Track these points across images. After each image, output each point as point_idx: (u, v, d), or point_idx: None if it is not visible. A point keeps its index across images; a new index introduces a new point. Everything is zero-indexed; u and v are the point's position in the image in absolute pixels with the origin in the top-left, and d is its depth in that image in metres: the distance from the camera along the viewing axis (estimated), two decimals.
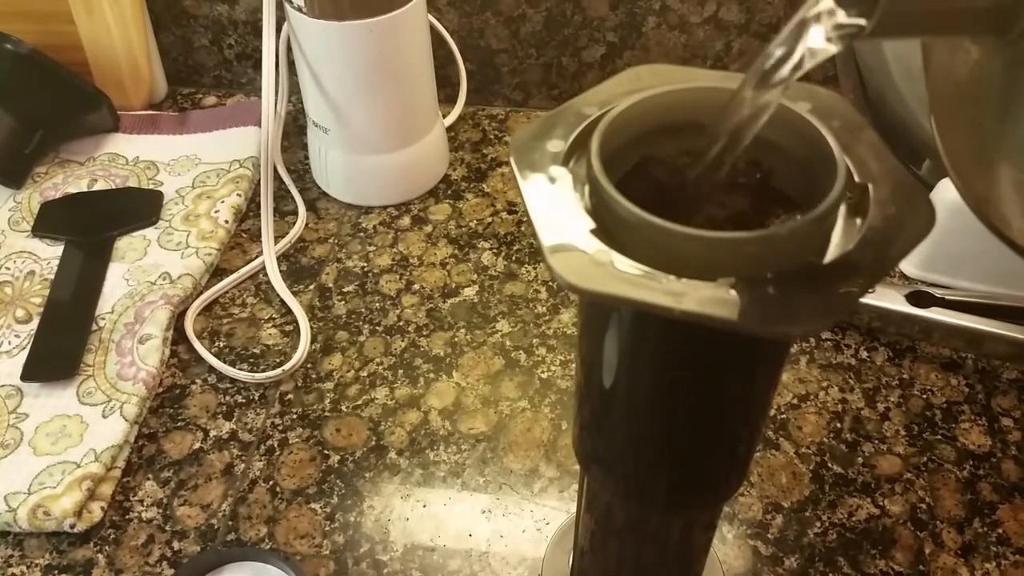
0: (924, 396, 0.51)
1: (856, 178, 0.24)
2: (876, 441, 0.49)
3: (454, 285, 0.57)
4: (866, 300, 0.52)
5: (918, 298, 0.52)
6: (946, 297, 0.51)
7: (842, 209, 0.24)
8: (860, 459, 0.48)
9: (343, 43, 0.54)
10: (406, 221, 0.61)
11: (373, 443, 0.48)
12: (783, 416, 0.50)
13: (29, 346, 0.51)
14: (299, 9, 0.54)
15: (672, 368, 0.26)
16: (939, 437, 0.49)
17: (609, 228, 0.23)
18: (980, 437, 0.49)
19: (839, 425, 0.49)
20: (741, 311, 0.21)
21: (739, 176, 0.27)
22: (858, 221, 0.23)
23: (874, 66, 0.54)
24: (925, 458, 0.48)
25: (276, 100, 0.64)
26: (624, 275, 0.22)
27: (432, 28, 0.64)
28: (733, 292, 0.21)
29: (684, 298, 0.21)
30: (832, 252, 0.23)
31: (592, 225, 0.23)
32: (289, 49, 0.60)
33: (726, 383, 0.27)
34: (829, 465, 0.48)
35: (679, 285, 0.22)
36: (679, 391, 0.27)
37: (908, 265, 0.56)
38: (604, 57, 0.67)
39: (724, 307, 0.21)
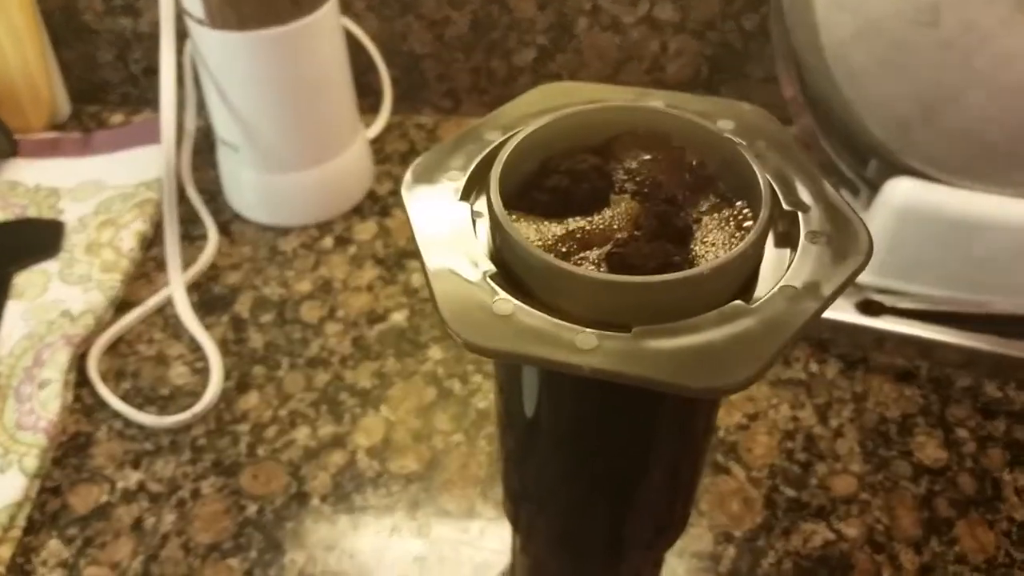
0: (878, 410, 0.48)
1: (784, 205, 0.21)
2: (830, 460, 0.46)
3: (382, 310, 0.53)
4: None
5: (869, 307, 0.49)
6: (897, 306, 0.49)
7: (770, 239, 0.21)
8: (814, 480, 0.45)
9: (248, 55, 0.50)
10: (328, 242, 0.57)
11: (294, 490, 0.45)
12: (732, 438, 0.47)
13: None
14: (199, 21, 0.50)
15: (588, 422, 0.23)
16: (894, 453, 0.47)
17: (514, 271, 0.20)
18: (935, 451, 0.47)
19: (791, 445, 0.47)
20: (658, 366, 0.18)
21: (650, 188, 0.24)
22: (788, 251, 0.20)
23: (814, 66, 0.51)
24: (880, 476, 0.45)
25: (183, 116, 0.60)
26: (528, 329, 0.19)
27: (349, 34, 0.60)
28: (649, 343, 0.18)
29: (594, 354, 0.18)
30: (761, 288, 0.20)
31: (492, 269, 0.20)
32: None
33: (650, 434, 0.23)
34: (782, 489, 0.45)
35: (589, 338, 0.18)
36: (597, 443, 0.24)
37: None
38: (536, 60, 0.63)
39: (639, 363, 0.18)
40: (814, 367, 0.50)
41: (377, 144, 0.64)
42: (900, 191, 0.51)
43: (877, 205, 0.52)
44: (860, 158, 0.55)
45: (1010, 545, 0.43)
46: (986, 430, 0.48)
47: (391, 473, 0.45)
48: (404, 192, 0.22)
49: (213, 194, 0.60)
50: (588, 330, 0.18)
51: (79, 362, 0.50)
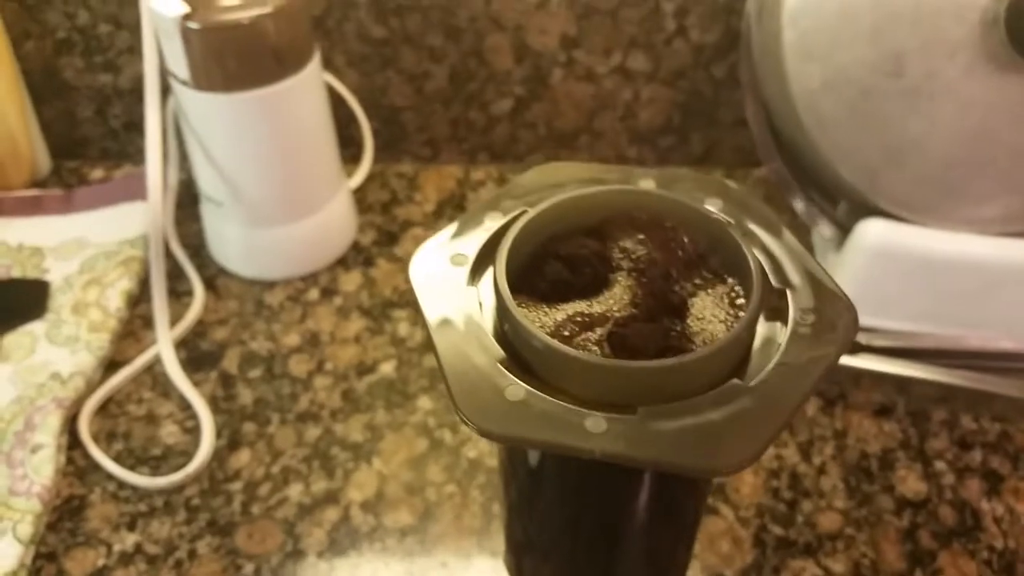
0: (858, 446, 0.50)
1: (773, 282, 0.22)
2: (815, 497, 0.47)
3: (370, 361, 0.54)
4: None
5: None
6: (873, 344, 0.51)
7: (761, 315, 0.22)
8: (800, 518, 0.46)
9: (232, 115, 0.51)
10: (314, 294, 0.58)
11: (290, 547, 0.45)
12: (720, 480, 0.48)
13: None
14: (183, 82, 0.51)
15: (592, 490, 0.24)
16: (876, 488, 0.48)
17: (521, 355, 0.21)
18: (916, 483, 0.48)
19: (777, 483, 0.48)
20: (663, 448, 0.19)
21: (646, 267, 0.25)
22: (778, 325, 0.22)
23: (784, 113, 0.53)
24: (864, 511, 0.47)
25: (165, 171, 0.60)
26: (539, 414, 0.20)
27: (331, 88, 0.61)
28: (654, 426, 0.19)
29: (604, 438, 0.19)
30: (755, 362, 0.21)
31: (502, 355, 0.21)
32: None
33: (653, 502, 0.24)
34: (770, 527, 0.46)
35: (599, 422, 0.19)
36: (600, 505, 0.25)
37: None
38: (513, 110, 0.65)
39: (646, 446, 0.19)
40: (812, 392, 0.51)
41: (359, 193, 0.65)
42: (871, 233, 0.52)
43: (849, 246, 0.54)
44: (831, 200, 0.57)
45: (991, 574, 0.44)
46: (963, 461, 0.49)
47: (386, 527, 0.46)
48: (413, 279, 0.23)
49: (196, 248, 0.61)
50: (597, 414, 0.19)
51: (70, 424, 0.50)
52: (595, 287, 0.23)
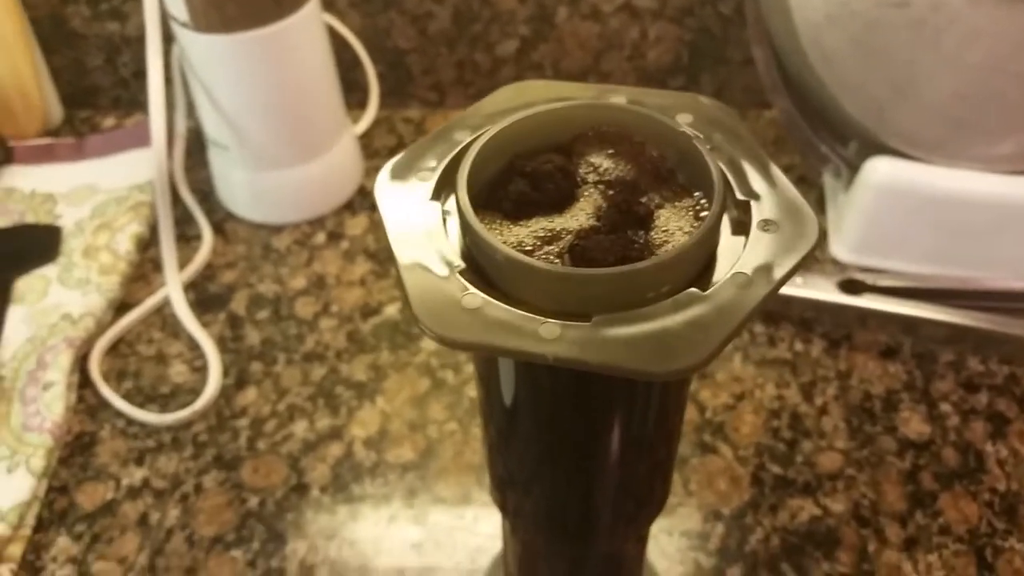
0: (862, 387, 0.49)
1: (738, 195, 0.22)
2: (816, 438, 0.47)
3: (375, 304, 0.54)
4: (798, 291, 0.51)
5: (850, 286, 0.50)
6: (878, 284, 0.50)
7: (726, 225, 0.22)
8: (800, 458, 0.46)
9: (233, 57, 0.51)
10: (321, 238, 0.58)
11: (294, 481, 0.46)
12: (719, 419, 0.48)
13: None
14: (183, 24, 0.51)
15: (561, 407, 0.24)
16: (879, 429, 0.48)
17: (482, 267, 0.21)
18: (920, 425, 0.48)
19: (777, 423, 0.48)
20: (615, 353, 0.19)
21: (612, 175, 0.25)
22: (743, 239, 0.21)
23: (790, 50, 0.52)
24: (866, 452, 0.47)
25: (172, 118, 0.61)
26: (495, 321, 0.20)
27: (333, 31, 0.61)
28: (608, 331, 0.19)
29: (557, 343, 0.19)
30: (718, 274, 0.21)
31: (461, 265, 0.21)
32: None
33: (621, 415, 0.25)
34: (768, 467, 0.46)
35: (552, 328, 0.19)
36: (572, 427, 0.25)
37: (840, 249, 0.55)
38: (519, 51, 0.64)
39: (598, 350, 0.19)
40: (799, 346, 0.51)
41: (366, 139, 0.65)
42: (879, 170, 0.51)
43: (857, 185, 0.53)
44: (839, 139, 0.56)
45: (992, 515, 0.44)
46: (969, 404, 0.49)
47: (388, 463, 0.46)
48: (377, 193, 0.23)
49: (206, 194, 0.61)
50: (551, 320, 0.19)
51: (81, 363, 0.51)
52: (560, 203, 0.23)
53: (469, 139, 0.24)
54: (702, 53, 0.63)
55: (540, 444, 0.26)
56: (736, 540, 0.43)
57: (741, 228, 0.22)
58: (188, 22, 0.50)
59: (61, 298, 0.53)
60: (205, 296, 0.55)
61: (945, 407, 0.48)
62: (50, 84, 0.67)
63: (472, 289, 0.20)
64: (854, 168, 0.55)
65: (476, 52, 0.64)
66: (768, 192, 0.21)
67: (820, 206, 0.58)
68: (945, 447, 0.47)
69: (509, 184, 0.23)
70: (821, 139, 0.56)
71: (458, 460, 0.46)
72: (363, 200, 0.61)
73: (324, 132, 0.58)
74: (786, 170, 0.60)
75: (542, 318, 0.20)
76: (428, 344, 0.52)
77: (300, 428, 0.48)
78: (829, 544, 0.43)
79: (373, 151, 0.64)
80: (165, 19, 0.53)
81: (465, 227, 0.21)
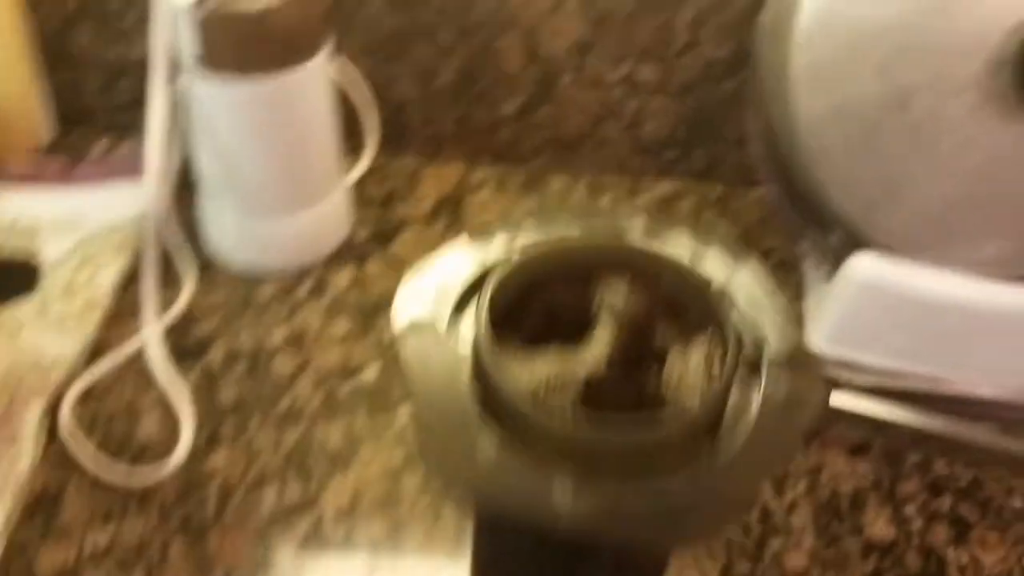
0: (831, 484, 0.50)
1: (749, 346, 0.22)
2: (783, 535, 0.48)
3: (354, 364, 0.54)
4: None
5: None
6: (853, 381, 0.51)
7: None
8: (768, 556, 0.47)
9: (237, 103, 0.51)
10: (304, 290, 0.58)
11: (260, 556, 0.45)
12: None
13: None
14: (193, 62, 0.50)
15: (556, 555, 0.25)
16: (846, 528, 0.48)
17: (496, 404, 0.21)
18: (885, 527, 0.48)
19: (747, 518, 0.48)
20: (626, 526, 0.19)
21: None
22: (752, 386, 0.22)
23: (787, 138, 0.52)
24: (832, 552, 0.47)
25: (166, 155, 0.60)
26: (509, 479, 0.20)
27: (339, 77, 0.60)
28: (623, 498, 0.19)
29: (571, 508, 0.19)
30: (726, 428, 0.21)
31: (477, 409, 0.21)
32: None
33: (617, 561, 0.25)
34: (736, 564, 0.46)
35: (566, 494, 0.20)
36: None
37: (819, 340, 0.55)
38: (519, 112, 0.64)
39: (613, 519, 0.19)
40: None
41: (359, 186, 0.65)
42: (862, 267, 0.52)
43: (839, 278, 0.54)
44: (824, 228, 0.56)
45: None
46: (933, 506, 0.49)
47: (357, 540, 0.46)
48: (395, 321, 0.23)
49: (190, 232, 0.60)
50: (565, 482, 0.20)
51: (51, 409, 0.50)
52: (576, 335, 0.23)
53: (487, 264, 0.24)
54: (698, 129, 0.63)
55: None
56: None
57: (750, 371, 0.22)
58: (197, 63, 0.50)
59: (36, 340, 0.53)
60: (182, 345, 0.55)
61: (910, 509, 0.49)
62: (46, 101, 0.66)
63: (487, 435, 0.20)
64: (836, 258, 0.55)
65: (478, 109, 0.64)
66: (782, 347, 0.22)
67: (799, 292, 0.58)
68: (908, 551, 0.47)
69: (526, 315, 0.23)
70: (807, 226, 0.57)
71: (429, 540, 0.46)
72: (350, 251, 0.61)
73: (319, 182, 0.57)
74: (768, 253, 0.61)
75: (556, 477, 0.20)
76: (405, 413, 0.52)
77: (270, 497, 0.48)
78: None
79: (366, 199, 0.64)
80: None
81: (482, 367, 0.21)
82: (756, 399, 0.21)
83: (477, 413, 0.21)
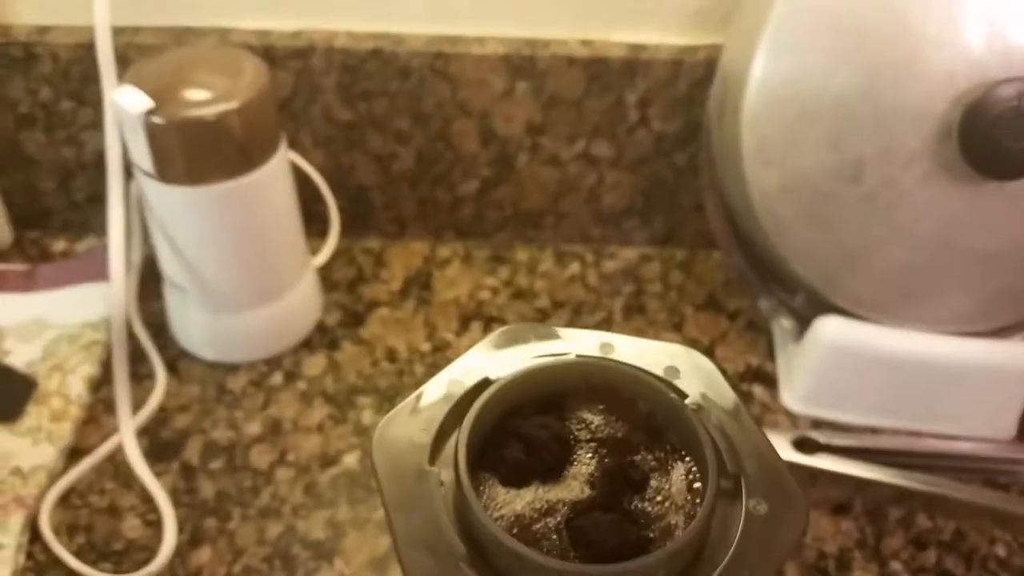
0: (816, 544, 0.50)
1: (728, 467, 0.23)
2: None
3: (333, 452, 0.54)
4: None
5: (804, 445, 0.52)
6: (832, 443, 0.52)
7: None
8: None
9: (196, 208, 0.51)
10: (277, 378, 0.58)
11: None
12: None
13: None
14: (147, 174, 0.51)
15: None
16: None
17: (480, 544, 0.21)
18: None
19: None
20: None
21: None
22: (735, 508, 0.22)
23: (743, 213, 0.54)
24: None
25: (128, 249, 0.60)
26: None
27: (296, 167, 0.61)
28: None
29: None
30: (711, 548, 0.21)
31: (463, 551, 0.21)
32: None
33: None
34: None
35: None
36: None
37: (790, 399, 0.56)
38: (479, 191, 0.65)
39: None
40: None
41: (325, 270, 0.65)
42: (828, 330, 0.53)
43: (807, 341, 0.55)
44: (789, 291, 0.58)
45: None
46: (919, 561, 0.50)
47: None
48: (375, 459, 0.23)
49: (158, 328, 0.60)
50: None
51: (32, 516, 0.49)
52: (555, 467, 0.23)
53: (460, 394, 0.24)
54: (655, 199, 0.65)
55: None
56: None
57: (729, 494, 0.22)
58: (152, 172, 0.50)
59: (10, 447, 0.52)
60: (158, 442, 0.54)
61: (896, 565, 0.50)
62: (1, 206, 0.66)
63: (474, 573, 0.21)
64: (803, 319, 0.57)
65: (438, 190, 0.65)
66: (757, 467, 0.22)
67: (770, 353, 0.60)
68: None
69: (504, 448, 0.23)
70: (771, 291, 0.58)
71: None
72: (322, 337, 0.61)
73: (285, 274, 0.58)
74: (736, 314, 0.62)
75: None
76: None
77: None
78: None
79: (333, 283, 0.64)
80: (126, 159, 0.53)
81: (464, 507, 0.21)
82: (740, 515, 0.22)
83: (463, 555, 0.21)
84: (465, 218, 0.67)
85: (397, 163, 0.64)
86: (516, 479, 0.23)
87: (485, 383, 0.24)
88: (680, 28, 0.60)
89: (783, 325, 0.58)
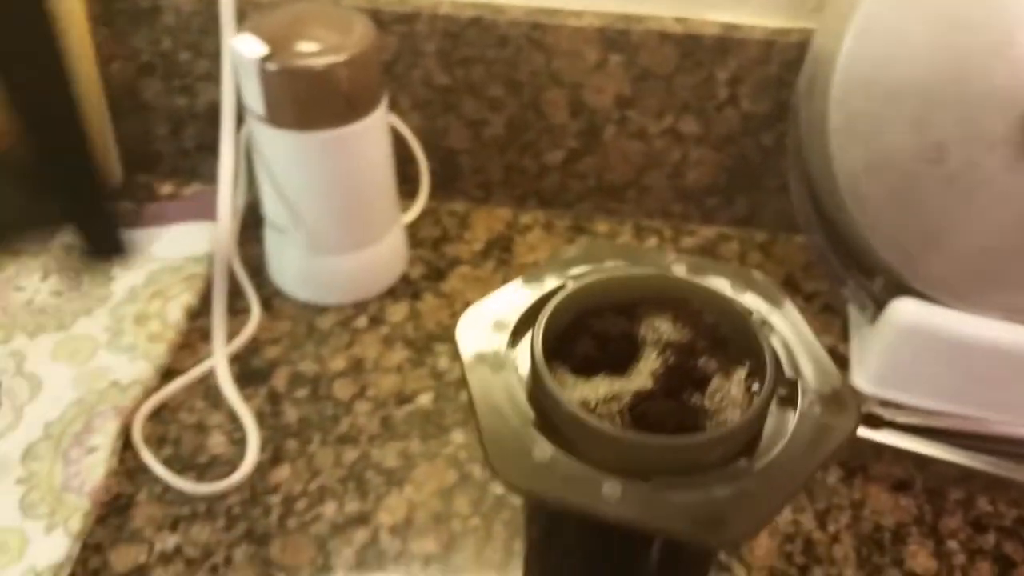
0: (873, 518, 0.51)
1: (786, 372, 0.24)
2: (826, 565, 0.49)
3: (409, 391, 0.56)
4: None
5: (870, 420, 0.52)
6: (896, 420, 0.52)
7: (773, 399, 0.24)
8: None
9: (303, 153, 0.55)
10: (362, 321, 0.61)
11: (320, 562, 0.47)
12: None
13: None
14: (258, 117, 0.54)
15: (609, 539, 0.26)
16: (887, 560, 0.49)
17: (550, 418, 0.23)
18: (927, 560, 0.49)
19: (791, 548, 0.49)
20: (672, 518, 0.21)
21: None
22: (789, 411, 0.24)
23: (827, 190, 0.55)
24: None
25: (233, 196, 0.64)
26: (563, 476, 0.22)
27: (394, 129, 0.64)
28: (666, 496, 0.21)
29: (619, 503, 0.21)
30: (764, 443, 0.23)
31: (532, 416, 0.23)
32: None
33: (658, 567, 0.27)
34: None
35: (615, 488, 0.22)
36: (616, 553, 0.27)
37: (861, 379, 0.57)
38: (565, 161, 0.67)
39: (657, 514, 0.21)
40: (817, 473, 0.53)
41: (413, 228, 0.68)
42: (903, 312, 0.54)
43: (882, 322, 0.55)
44: (867, 273, 0.58)
45: None
46: (976, 543, 0.50)
47: (411, 553, 0.48)
48: (459, 340, 0.25)
49: (256, 268, 0.64)
50: (614, 479, 0.22)
51: (126, 425, 0.53)
52: (623, 363, 0.25)
53: (541, 294, 0.26)
54: (739, 178, 0.66)
55: (578, 564, 0.28)
56: None
57: (786, 401, 0.24)
58: (263, 116, 0.54)
59: (109, 362, 0.56)
60: (248, 370, 0.57)
61: (952, 544, 0.50)
62: (114, 148, 0.70)
63: (542, 440, 0.23)
64: (879, 303, 0.57)
65: (525, 158, 0.68)
66: (815, 372, 0.24)
67: (844, 335, 0.60)
68: None
69: (577, 341, 0.25)
70: (849, 273, 0.59)
71: (479, 557, 0.48)
72: (406, 288, 0.63)
73: (377, 223, 0.61)
74: (813, 297, 0.63)
75: (605, 474, 0.22)
76: (457, 437, 0.54)
77: (330, 510, 0.50)
78: None
79: (419, 240, 0.67)
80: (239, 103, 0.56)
81: (537, 382, 0.23)
82: (791, 423, 0.23)
83: (533, 423, 0.23)
84: (549, 187, 0.69)
85: (488, 129, 0.67)
86: (586, 370, 0.25)
87: (562, 288, 0.26)
88: (776, 11, 0.61)
89: (859, 307, 0.58)
